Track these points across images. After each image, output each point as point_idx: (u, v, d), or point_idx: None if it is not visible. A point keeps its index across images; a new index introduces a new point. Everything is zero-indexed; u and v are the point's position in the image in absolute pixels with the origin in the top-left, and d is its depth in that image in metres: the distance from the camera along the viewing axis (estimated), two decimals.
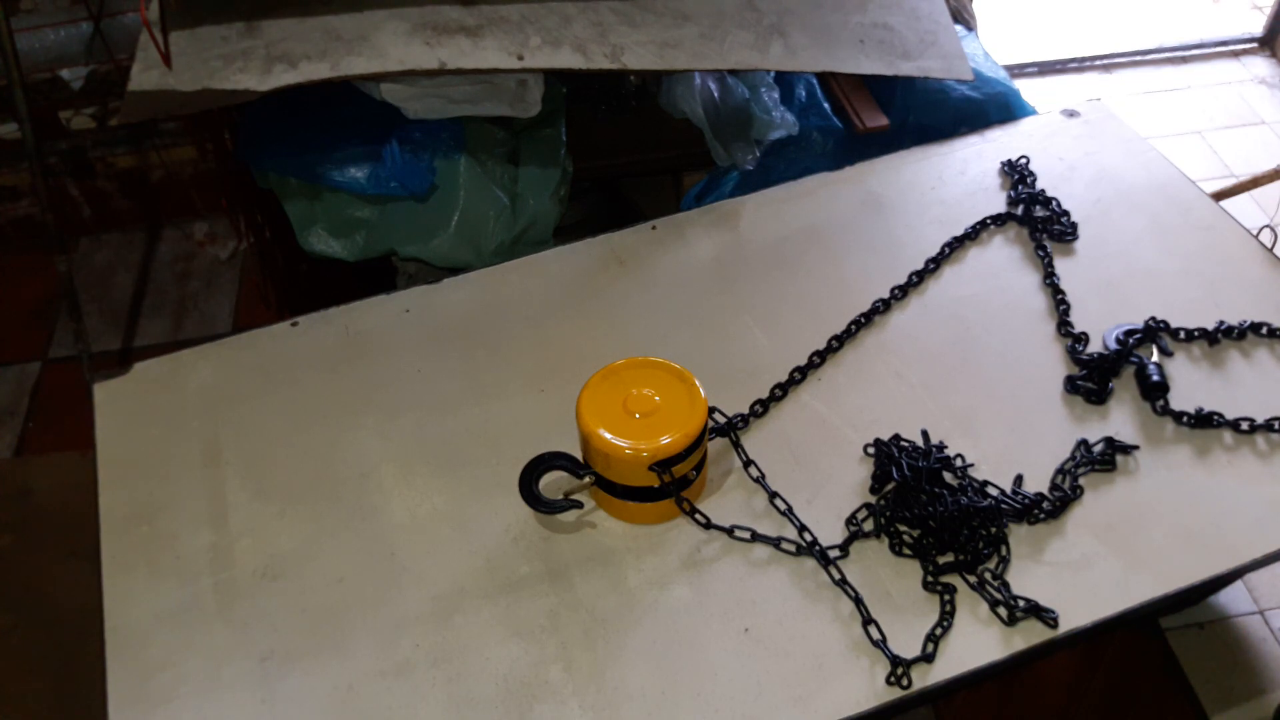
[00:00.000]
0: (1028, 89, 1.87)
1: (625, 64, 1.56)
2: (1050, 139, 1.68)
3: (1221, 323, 1.36)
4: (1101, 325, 1.39)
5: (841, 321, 1.40)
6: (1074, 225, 1.52)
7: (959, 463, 1.23)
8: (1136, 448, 1.25)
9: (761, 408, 1.31)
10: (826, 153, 1.79)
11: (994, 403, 1.31)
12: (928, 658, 1.07)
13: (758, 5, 1.68)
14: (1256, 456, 1.24)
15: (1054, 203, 1.55)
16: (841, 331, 1.39)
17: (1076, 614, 1.10)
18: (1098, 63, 3.11)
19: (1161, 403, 1.29)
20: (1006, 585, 1.12)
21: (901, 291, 1.45)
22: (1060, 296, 1.42)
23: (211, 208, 2.68)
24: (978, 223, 1.53)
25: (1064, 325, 1.38)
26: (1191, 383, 1.32)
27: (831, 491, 1.22)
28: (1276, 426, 1.26)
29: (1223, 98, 2.97)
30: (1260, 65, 3.09)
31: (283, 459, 1.28)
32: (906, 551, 1.16)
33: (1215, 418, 1.26)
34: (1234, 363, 1.35)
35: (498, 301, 1.47)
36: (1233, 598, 1.89)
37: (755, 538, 1.17)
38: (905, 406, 1.31)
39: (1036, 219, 1.52)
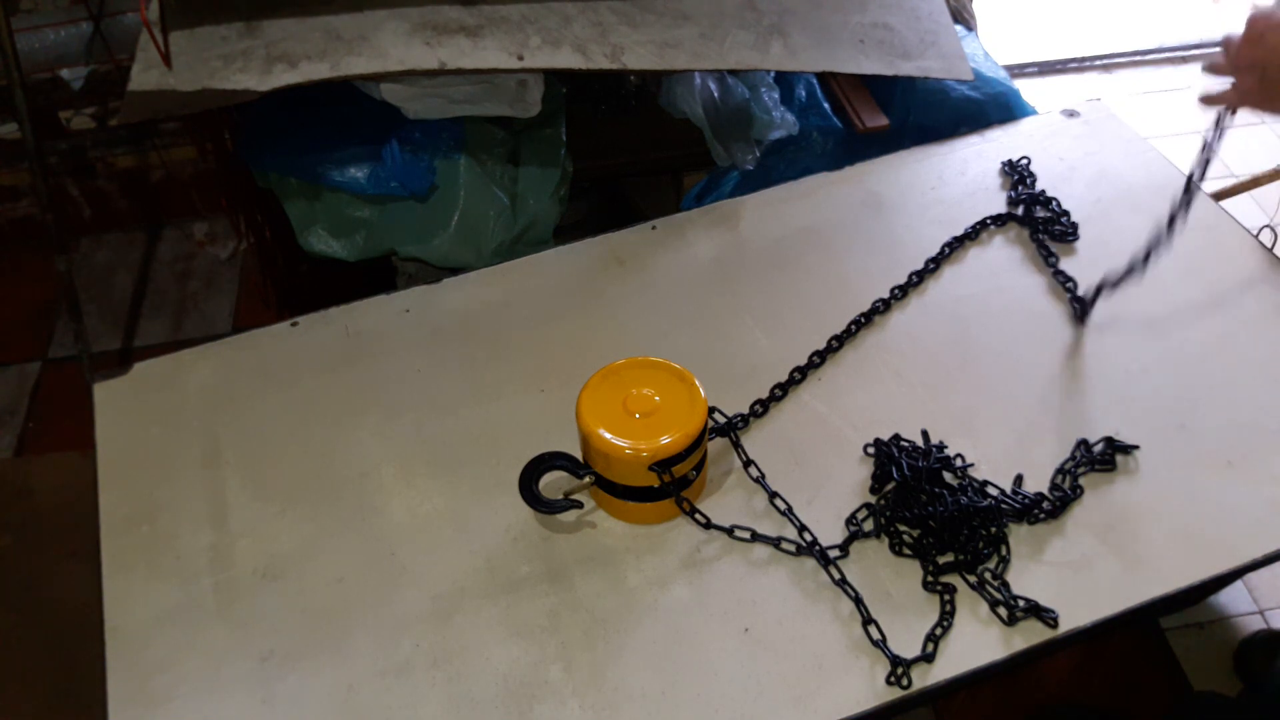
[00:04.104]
0: (1028, 89, 1.87)
1: (625, 64, 1.56)
2: (1050, 139, 1.68)
3: None
4: (1101, 326, 1.39)
5: (841, 321, 1.40)
6: (1074, 225, 1.52)
7: (959, 463, 1.23)
8: (1136, 447, 1.25)
9: (761, 408, 1.31)
10: (826, 153, 1.79)
11: (994, 403, 1.31)
12: (928, 658, 1.07)
13: (758, 5, 1.68)
14: (1256, 457, 1.24)
15: (1054, 203, 1.55)
16: (841, 331, 1.39)
17: (1076, 614, 1.10)
18: (1098, 63, 3.11)
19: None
20: (1006, 585, 1.12)
21: (901, 291, 1.45)
22: (1068, 286, 1.42)
23: (211, 208, 2.68)
24: (978, 223, 1.53)
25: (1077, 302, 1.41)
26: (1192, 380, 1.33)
27: (831, 491, 1.22)
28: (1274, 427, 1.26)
29: None
30: None
31: (283, 459, 1.28)
32: (906, 551, 1.16)
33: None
34: (1232, 358, 1.35)
35: (498, 301, 1.47)
36: (1233, 598, 1.89)
37: (755, 538, 1.17)
38: (905, 406, 1.31)
39: (1037, 219, 1.52)
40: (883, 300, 1.43)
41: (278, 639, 1.11)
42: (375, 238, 1.74)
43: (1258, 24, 1.17)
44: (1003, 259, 1.50)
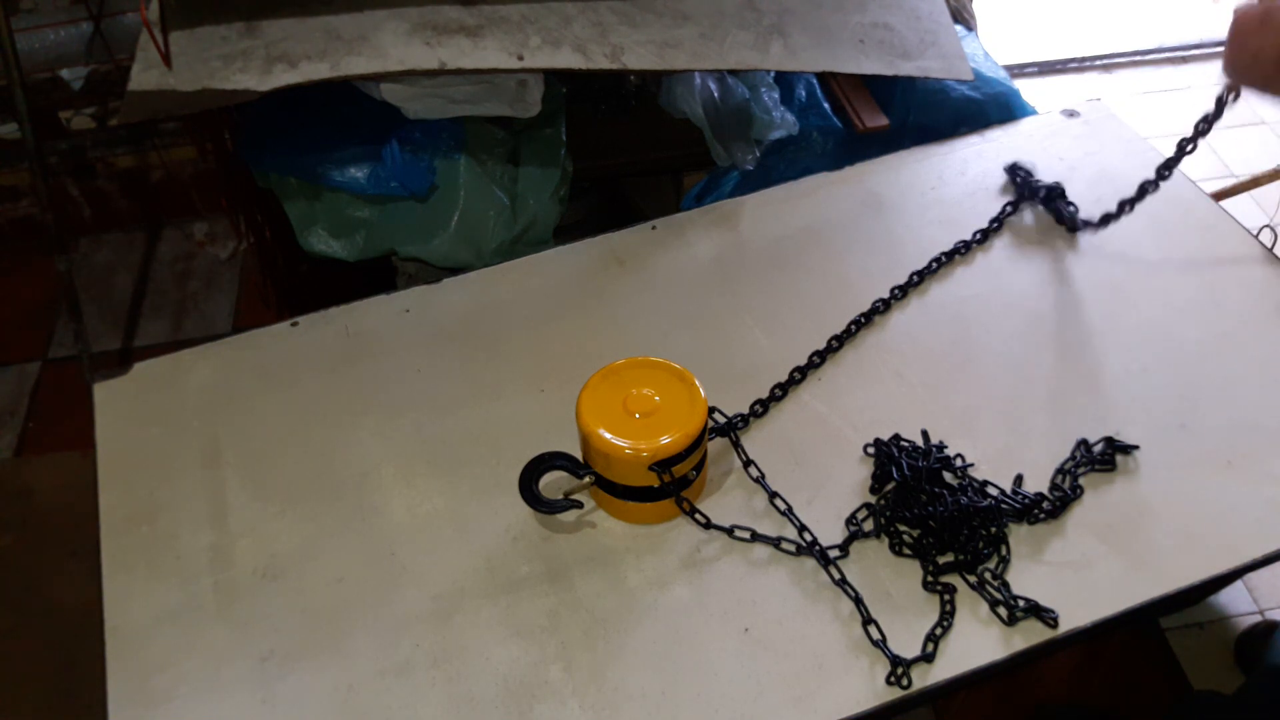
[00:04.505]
0: (1028, 89, 1.87)
1: (625, 64, 1.56)
2: (1050, 139, 1.68)
3: None
4: (1101, 326, 1.39)
5: (841, 321, 1.40)
6: (1083, 221, 1.51)
7: (959, 462, 1.23)
8: (1136, 448, 1.25)
9: (761, 408, 1.31)
10: (826, 153, 1.79)
11: (994, 403, 1.31)
12: (928, 658, 1.07)
13: (758, 5, 1.68)
14: (1256, 457, 1.24)
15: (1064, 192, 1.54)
16: (841, 331, 1.39)
17: (1076, 614, 1.10)
18: (1098, 63, 3.11)
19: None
20: (1006, 585, 1.12)
21: (901, 291, 1.45)
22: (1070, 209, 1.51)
23: (211, 208, 2.68)
24: (983, 229, 1.52)
25: None
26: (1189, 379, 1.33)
27: (831, 491, 1.22)
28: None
29: None
30: None
31: (283, 459, 1.28)
32: (906, 551, 1.16)
33: None
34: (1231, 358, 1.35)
35: (498, 301, 1.47)
36: (1233, 598, 1.89)
37: (755, 538, 1.17)
38: (905, 406, 1.31)
39: (1055, 204, 1.53)
40: (883, 300, 1.43)
41: (278, 639, 1.11)
42: (375, 238, 1.74)
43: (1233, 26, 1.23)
44: (1003, 259, 1.50)
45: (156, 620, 1.13)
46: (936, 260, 1.48)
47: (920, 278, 1.46)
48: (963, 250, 1.50)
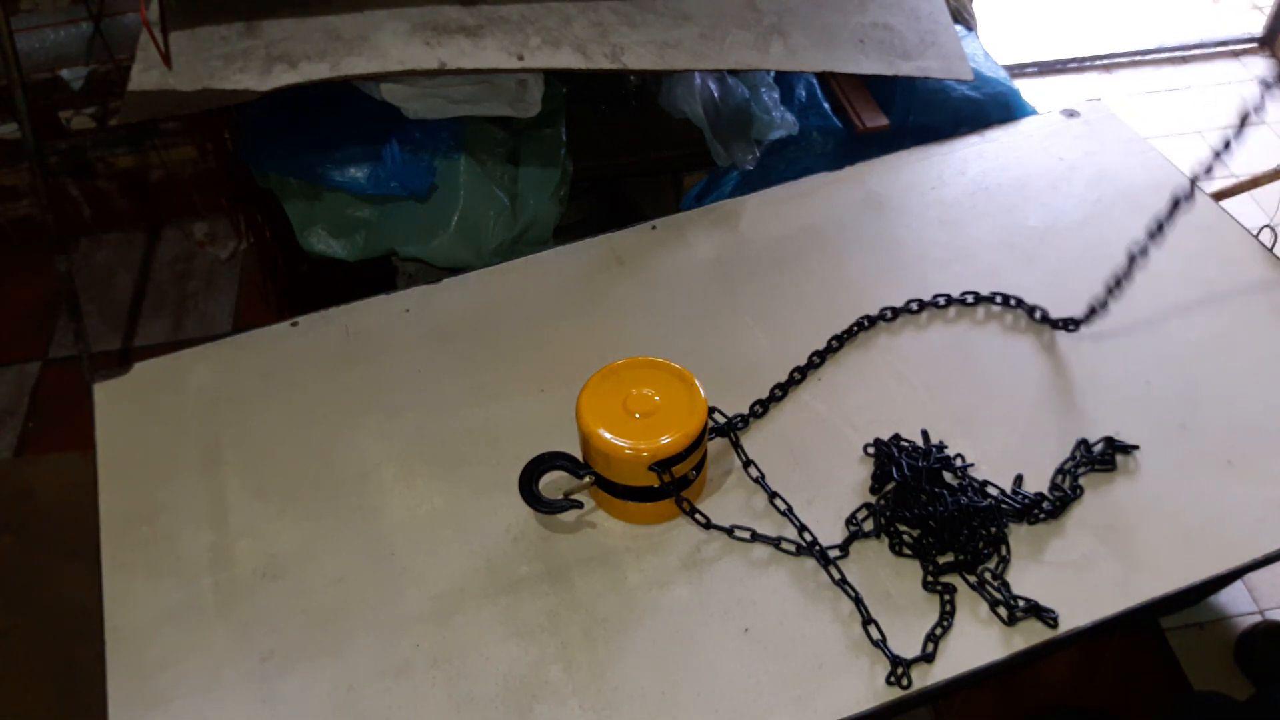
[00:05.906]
0: (1028, 89, 1.87)
1: (625, 64, 1.56)
2: (1050, 139, 1.68)
3: None
4: (1100, 326, 1.38)
5: (842, 321, 1.40)
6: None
7: (959, 463, 1.23)
8: (1136, 447, 1.25)
9: (761, 408, 1.31)
10: (826, 153, 1.79)
11: (994, 403, 1.31)
12: (928, 658, 1.07)
13: (758, 5, 1.68)
14: (1256, 456, 1.24)
15: None
16: (841, 331, 1.39)
17: (1076, 614, 1.10)
18: (1098, 63, 3.11)
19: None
20: (1006, 585, 1.12)
21: (918, 306, 1.43)
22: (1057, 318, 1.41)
23: (211, 208, 2.68)
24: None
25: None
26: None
27: (831, 491, 1.22)
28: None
29: (1223, 98, 2.97)
30: (1260, 65, 3.09)
31: (283, 459, 1.28)
32: (906, 551, 1.16)
33: None
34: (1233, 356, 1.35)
35: (498, 301, 1.47)
36: (1233, 598, 1.88)
37: (755, 538, 1.17)
38: (905, 406, 1.31)
39: None
40: (891, 309, 1.41)
41: (278, 639, 1.11)
42: (375, 238, 1.74)
43: None
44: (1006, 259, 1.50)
45: (156, 620, 1.13)
46: (943, 295, 1.48)
47: (932, 302, 1.43)
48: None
